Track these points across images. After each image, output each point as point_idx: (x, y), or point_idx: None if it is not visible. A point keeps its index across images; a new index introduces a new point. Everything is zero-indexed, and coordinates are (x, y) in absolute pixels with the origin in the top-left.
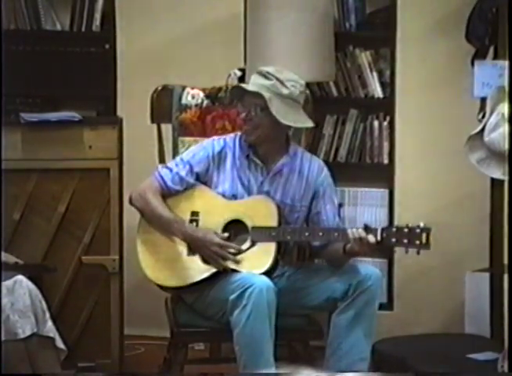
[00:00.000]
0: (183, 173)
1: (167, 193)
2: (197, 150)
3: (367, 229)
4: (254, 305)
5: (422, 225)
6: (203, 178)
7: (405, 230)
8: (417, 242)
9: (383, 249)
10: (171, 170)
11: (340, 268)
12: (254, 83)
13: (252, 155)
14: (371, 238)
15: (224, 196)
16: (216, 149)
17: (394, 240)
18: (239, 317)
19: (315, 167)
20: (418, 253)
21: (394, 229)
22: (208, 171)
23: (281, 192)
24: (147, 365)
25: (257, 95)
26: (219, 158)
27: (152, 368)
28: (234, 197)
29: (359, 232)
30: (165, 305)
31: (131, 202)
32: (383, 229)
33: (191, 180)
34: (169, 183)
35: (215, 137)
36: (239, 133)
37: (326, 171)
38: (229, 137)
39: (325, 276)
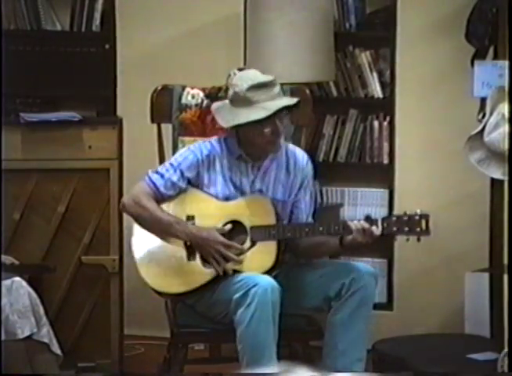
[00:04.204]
0: (175, 178)
1: (159, 199)
2: (186, 154)
3: (369, 220)
4: (259, 304)
5: (419, 212)
6: (194, 183)
7: (405, 218)
8: (418, 229)
9: (383, 239)
10: (162, 175)
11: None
12: (267, 98)
13: (244, 155)
14: (375, 229)
15: (217, 198)
16: (204, 152)
17: (395, 229)
18: (243, 316)
19: (300, 159)
20: (418, 240)
21: (394, 219)
22: (199, 175)
23: (272, 189)
24: (147, 365)
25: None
26: (208, 161)
27: (152, 368)
28: (227, 198)
29: (362, 223)
30: (165, 305)
31: (124, 209)
32: (383, 219)
33: (183, 185)
34: (162, 189)
35: (201, 141)
36: (222, 136)
37: (310, 163)
38: (214, 140)
39: (319, 275)
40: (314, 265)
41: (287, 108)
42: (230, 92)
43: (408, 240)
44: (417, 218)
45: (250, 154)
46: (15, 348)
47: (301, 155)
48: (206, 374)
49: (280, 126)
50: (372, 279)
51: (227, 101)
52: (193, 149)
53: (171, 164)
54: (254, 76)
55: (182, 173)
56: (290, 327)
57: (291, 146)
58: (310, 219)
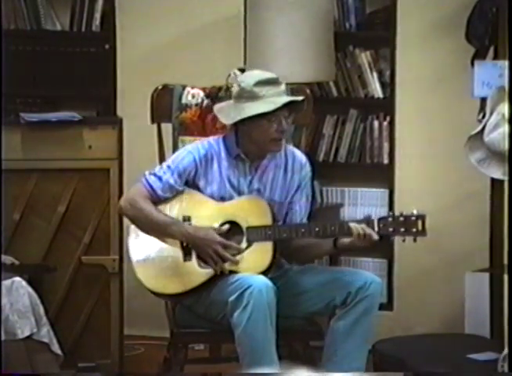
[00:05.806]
0: (172, 181)
1: (156, 201)
2: (183, 155)
3: (366, 221)
4: (255, 306)
5: (416, 212)
6: (192, 183)
7: (401, 219)
8: (414, 230)
9: (382, 239)
10: (160, 178)
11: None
12: (274, 94)
13: (242, 154)
14: (373, 234)
15: (213, 198)
16: (201, 152)
17: (391, 229)
18: (239, 318)
19: (299, 160)
20: (415, 240)
21: (390, 219)
22: (196, 174)
23: (270, 189)
24: (147, 365)
25: (285, 105)
26: (206, 161)
27: (152, 368)
28: (224, 198)
29: (363, 227)
30: (165, 305)
31: (121, 211)
32: (379, 220)
33: (180, 188)
34: (159, 192)
35: (198, 141)
36: (221, 136)
37: (308, 165)
38: (213, 139)
39: (325, 281)
40: (317, 270)
41: (293, 105)
42: (235, 90)
43: (404, 240)
44: (413, 218)
45: (248, 154)
46: (15, 348)
47: (299, 156)
48: (206, 374)
49: (285, 124)
50: (377, 289)
51: (230, 101)
52: (190, 149)
53: (169, 167)
54: (260, 73)
55: (179, 175)
56: (291, 327)
57: (290, 147)
58: (304, 222)
